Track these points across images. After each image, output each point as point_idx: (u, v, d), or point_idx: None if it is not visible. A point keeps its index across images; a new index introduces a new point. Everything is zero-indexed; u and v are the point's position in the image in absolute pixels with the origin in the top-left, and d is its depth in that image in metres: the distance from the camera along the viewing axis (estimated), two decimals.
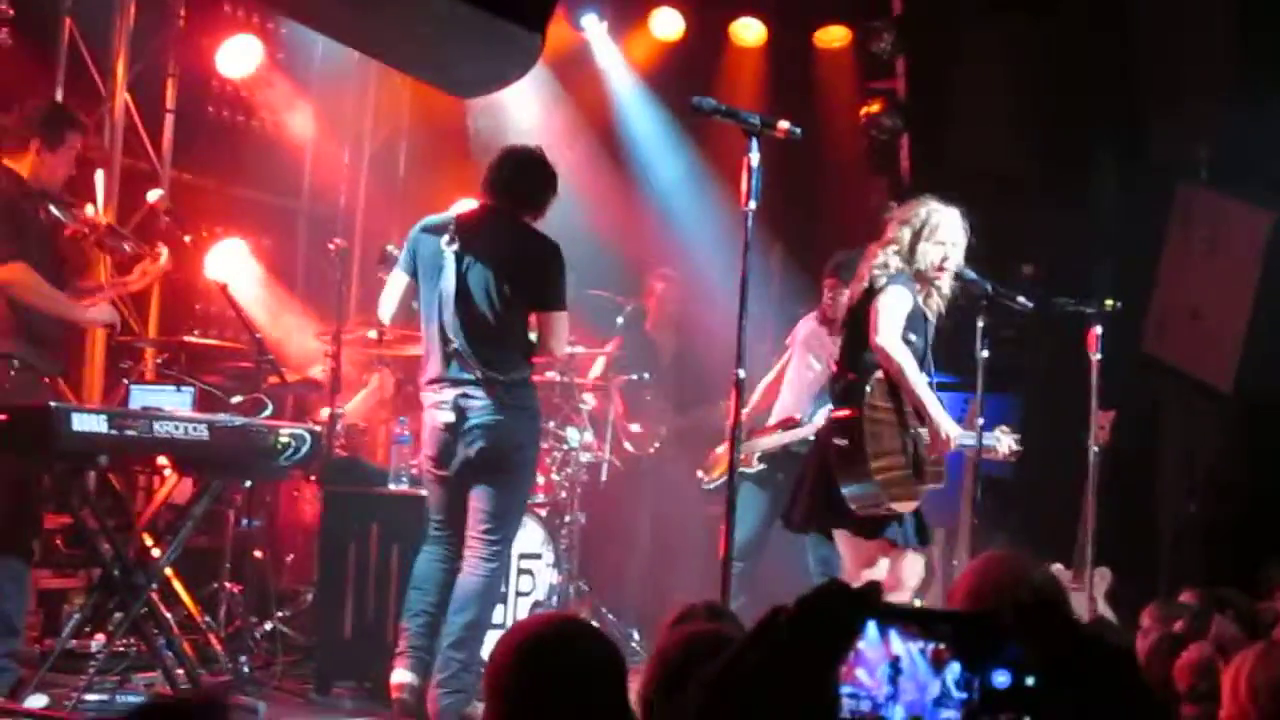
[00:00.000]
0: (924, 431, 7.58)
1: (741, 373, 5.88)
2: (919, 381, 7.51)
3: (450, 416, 7.53)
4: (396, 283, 7.84)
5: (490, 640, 8.68)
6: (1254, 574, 8.31)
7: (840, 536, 7.74)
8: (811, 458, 7.85)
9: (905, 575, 7.71)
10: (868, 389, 7.42)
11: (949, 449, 7.61)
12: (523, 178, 7.82)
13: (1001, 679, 2.06)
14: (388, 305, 7.90)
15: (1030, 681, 2.05)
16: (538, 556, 9.46)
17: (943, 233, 7.69)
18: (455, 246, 7.57)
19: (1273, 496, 10.04)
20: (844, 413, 7.53)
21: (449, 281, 7.53)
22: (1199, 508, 10.93)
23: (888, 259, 7.64)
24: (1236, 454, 10.86)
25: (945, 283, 7.73)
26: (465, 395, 7.52)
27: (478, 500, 7.58)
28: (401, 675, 7.55)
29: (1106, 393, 8.61)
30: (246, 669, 8.34)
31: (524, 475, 7.91)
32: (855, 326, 7.69)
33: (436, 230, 7.73)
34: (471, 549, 7.59)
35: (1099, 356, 8.53)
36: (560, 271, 7.69)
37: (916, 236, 7.66)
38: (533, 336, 7.68)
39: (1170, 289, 11.28)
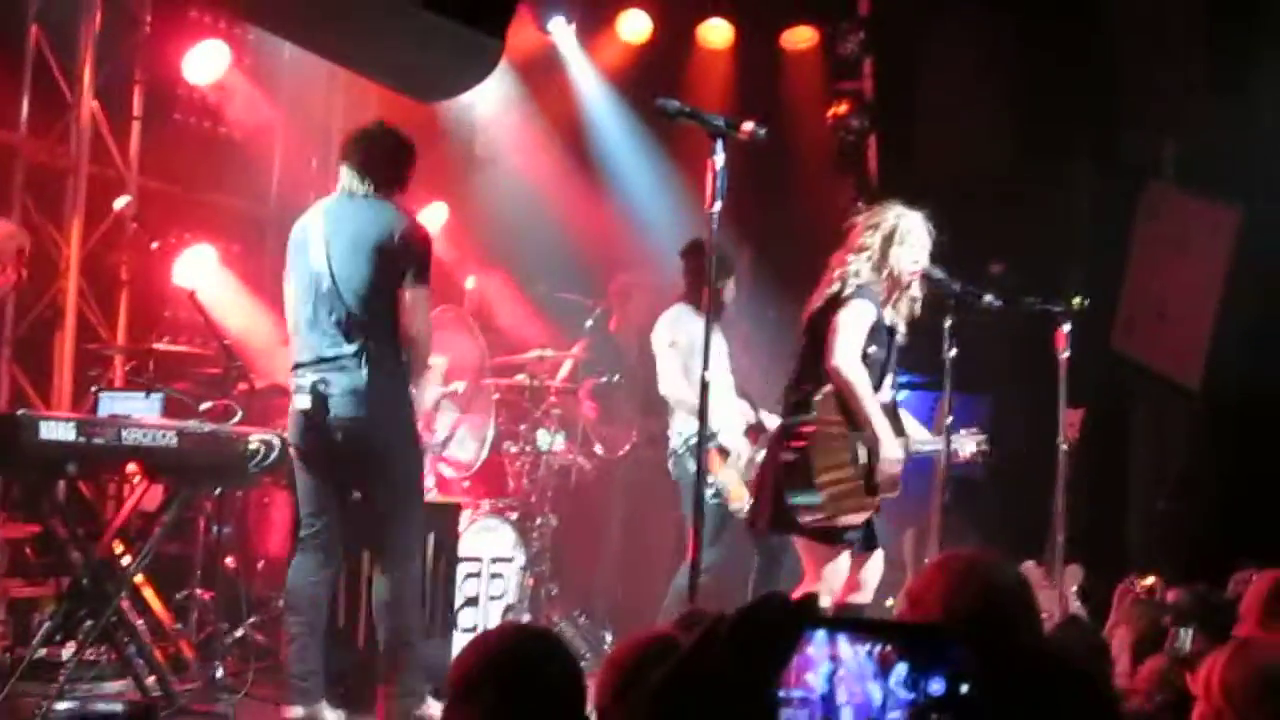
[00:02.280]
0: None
1: (707, 375, 5.89)
2: (870, 401, 7.50)
3: (306, 403, 7.25)
4: (286, 291, 7.62)
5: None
6: (1223, 570, 8.35)
7: (799, 543, 7.73)
8: (767, 465, 7.80)
9: (867, 577, 7.72)
10: (816, 400, 7.44)
11: (894, 469, 7.61)
12: (378, 155, 7.49)
13: (936, 686, 2.07)
14: (287, 316, 7.63)
15: (965, 689, 2.07)
16: (509, 560, 9.48)
17: (913, 237, 7.70)
18: (318, 231, 7.38)
19: (1240, 493, 10.09)
20: (791, 423, 7.55)
21: (313, 265, 7.33)
22: (1168, 504, 10.98)
23: (859, 266, 7.63)
24: (1204, 451, 10.90)
25: (915, 287, 7.75)
26: (324, 381, 7.23)
27: (364, 507, 7.39)
28: (292, 711, 7.36)
29: (1075, 390, 8.63)
30: (218, 676, 8.32)
31: (405, 472, 7.46)
32: (815, 336, 7.65)
33: (300, 222, 7.58)
34: (373, 561, 7.46)
35: (1067, 354, 8.55)
36: (420, 246, 7.38)
37: (887, 242, 7.66)
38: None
39: (1138, 287, 11.32)
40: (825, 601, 7.53)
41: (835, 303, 7.58)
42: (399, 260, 7.25)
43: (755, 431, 9.35)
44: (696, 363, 7.96)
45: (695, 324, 8.94)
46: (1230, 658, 4.12)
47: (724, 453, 9.24)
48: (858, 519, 7.57)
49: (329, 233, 7.34)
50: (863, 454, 7.54)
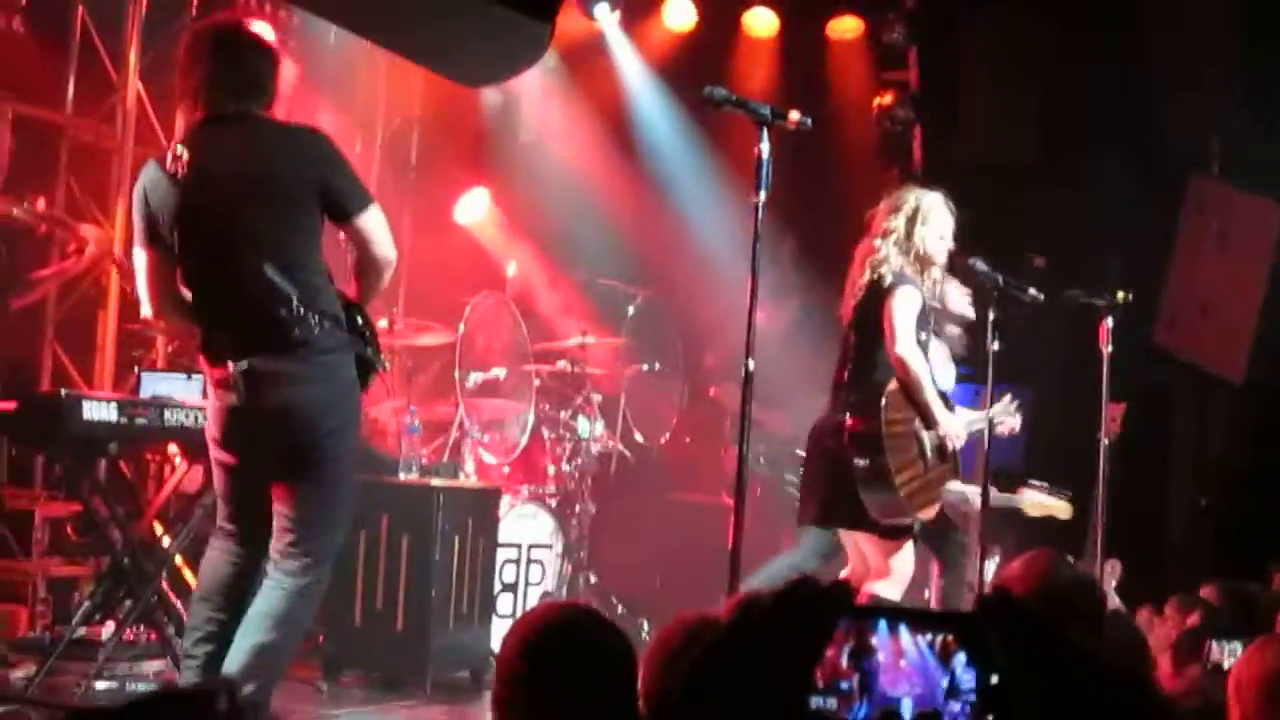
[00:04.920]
0: (936, 433, 7.63)
1: (751, 364, 5.86)
2: (931, 391, 7.56)
3: (232, 398, 5.96)
4: (140, 263, 6.11)
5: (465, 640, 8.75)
6: (1265, 565, 8.32)
7: (862, 538, 7.70)
8: (821, 456, 7.77)
9: (896, 565, 7.69)
10: (884, 402, 7.43)
11: (957, 444, 7.65)
12: (239, 64, 6.10)
13: (967, 677, 2.07)
14: (143, 295, 6.17)
15: (994, 680, 2.06)
16: (548, 546, 9.50)
17: (934, 215, 7.73)
18: (191, 173, 5.93)
19: None
20: (859, 425, 7.52)
21: (199, 229, 5.95)
22: (1209, 500, 10.93)
23: (888, 252, 7.64)
24: (1247, 446, 10.85)
25: (940, 266, 7.77)
26: (249, 370, 5.90)
27: (279, 501, 6.01)
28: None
29: (1117, 385, 8.61)
30: None
31: (338, 469, 6.10)
32: (865, 327, 7.65)
33: (161, 173, 6.02)
34: (274, 562, 6.04)
35: (1110, 349, 8.53)
36: (346, 160, 6.19)
37: (911, 222, 7.69)
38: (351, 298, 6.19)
39: (1181, 281, 11.27)
40: (895, 593, 7.53)
41: (879, 293, 7.57)
42: (328, 186, 6.01)
43: None
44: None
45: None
46: (1249, 655, 4.10)
47: None
48: (932, 512, 7.60)
49: (209, 179, 5.93)
50: (930, 446, 7.56)
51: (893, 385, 7.48)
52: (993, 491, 7.93)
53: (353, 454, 6.23)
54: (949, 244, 7.76)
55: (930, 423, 7.58)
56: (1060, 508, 8.99)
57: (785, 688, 2.09)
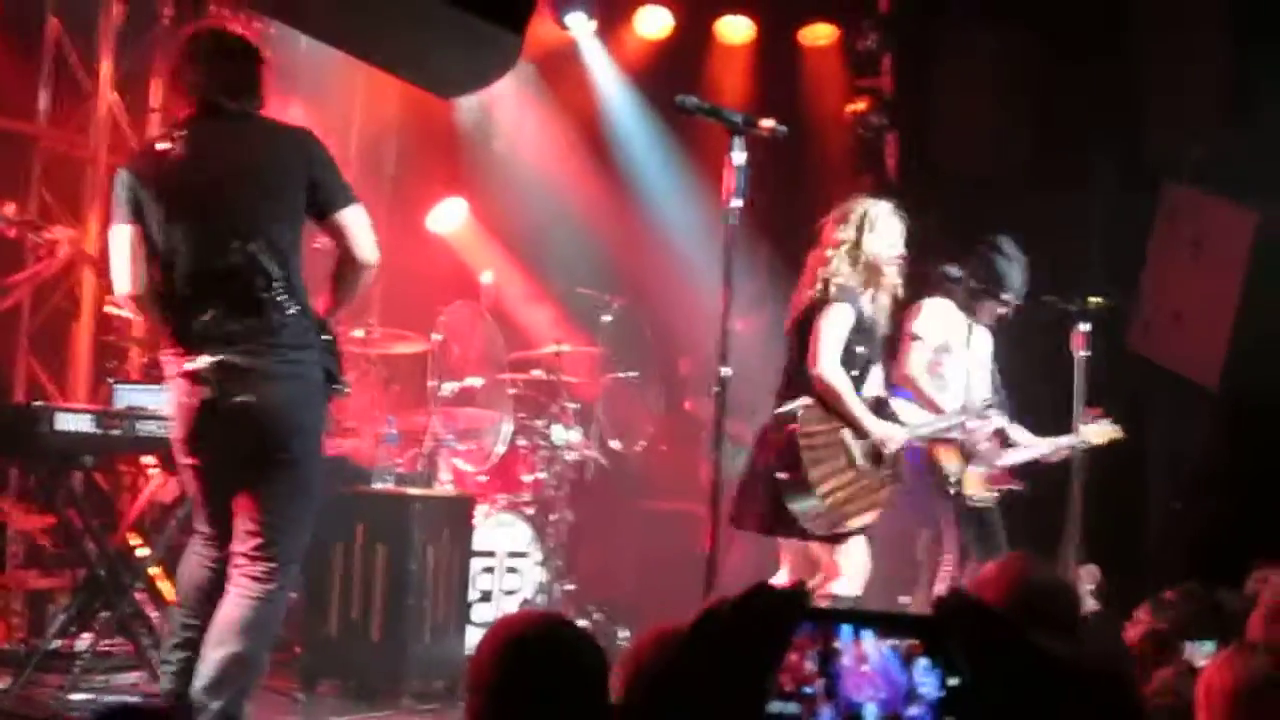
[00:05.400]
0: (869, 441, 7.65)
1: (725, 370, 5.87)
2: (853, 402, 7.55)
3: (204, 391, 5.92)
4: (121, 239, 6.06)
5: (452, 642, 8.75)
6: (1240, 570, 8.33)
7: (811, 543, 7.69)
8: (756, 466, 7.73)
9: (844, 564, 7.67)
10: (799, 413, 7.47)
11: (892, 448, 7.67)
12: (238, 65, 6.24)
13: (928, 681, 2.08)
14: (122, 272, 6.06)
15: (954, 683, 2.07)
16: (525, 555, 9.48)
17: (882, 223, 7.74)
18: (186, 154, 6.01)
19: (1258, 494, 10.05)
20: (779, 438, 7.52)
21: (191, 208, 6.00)
22: (1185, 505, 10.95)
23: (838, 263, 7.66)
24: (1222, 452, 10.87)
25: (893, 274, 7.77)
26: (222, 363, 5.89)
27: (244, 504, 5.96)
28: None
29: (1093, 391, 8.62)
30: None
31: (307, 469, 6.05)
32: (802, 338, 7.68)
33: (152, 155, 6.17)
34: (239, 566, 5.97)
35: (1086, 354, 8.56)
36: (333, 160, 6.25)
37: (859, 230, 7.71)
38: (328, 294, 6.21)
39: (1156, 288, 11.28)
40: (853, 590, 7.53)
41: (815, 307, 7.62)
42: (315, 183, 6.09)
43: (998, 436, 9.07)
44: (945, 359, 8.40)
45: (953, 322, 8.82)
46: (1220, 664, 4.10)
47: (954, 444, 8.92)
48: (870, 518, 7.59)
49: (202, 167, 6.02)
50: (860, 454, 7.56)
51: (807, 400, 7.50)
52: (1055, 438, 8.65)
53: (318, 456, 6.18)
54: (899, 251, 7.76)
55: (861, 432, 7.58)
56: (1115, 431, 8.95)
57: (744, 695, 2.09)
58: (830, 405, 7.52)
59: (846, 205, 7.85)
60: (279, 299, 5.90)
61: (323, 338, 6.11)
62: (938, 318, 8.77)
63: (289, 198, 6.02)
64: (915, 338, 8.67)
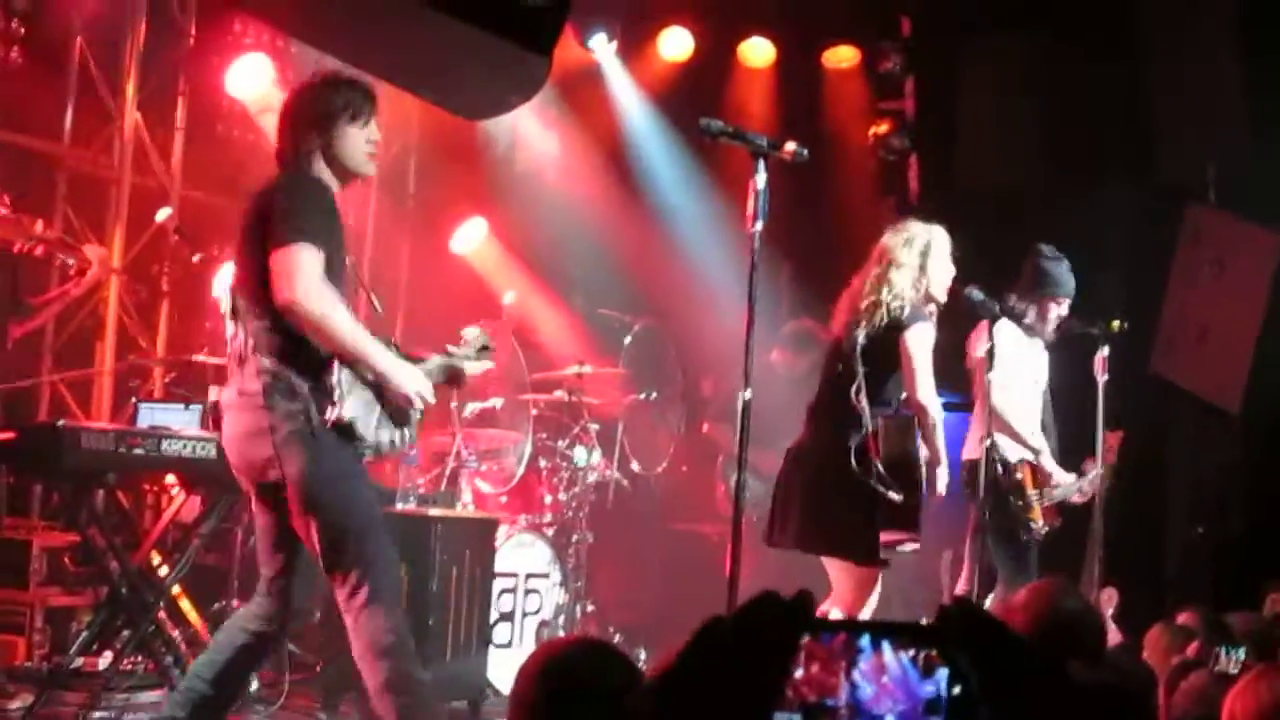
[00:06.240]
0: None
1: (747, 394, 5.86)
2: (940, 437, 7.59)
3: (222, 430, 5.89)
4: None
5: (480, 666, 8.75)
6: (1260, 593, 8.32)
7: (838, 564, 7.65)
8: (798, 477, 7.72)
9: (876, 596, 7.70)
10: (881, 431, 7.47)
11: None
12: (284, 124, 6.28)
13: (929, 689, 2.08)
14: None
15: (956, 691, 2.07)
16: (545, 576, 9.47)
17: (944, 251, 7.72)
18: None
19: (1278, 516, 10.05)
20: (888, 454, 7.47)
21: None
22: (1206, 528, 10.94)
23: (903, 287, 7.60)
24: (1243, 474, 10.87)
25: (939, 302, 7.77)
26: (222, 402, 5.89)
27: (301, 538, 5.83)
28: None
29: (1114, 413, 8.61)
30: (254, 687, 8.34)
31: (309, 489, 5.71)
32: (877, 358, 7.59)
33: None
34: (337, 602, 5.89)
35: (1106, 378, 8.55)
36: (294, 199, 5.90)
37: (924, 256, 7.66)
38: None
39: (1178, 309, 11.29)
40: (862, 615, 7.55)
41: (895, 327, 7.55)
42: (265, 227, 5.77)
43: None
44: (1011, 377, 8.28)
45: (1013, 340, 8.75)
46: (1244, 687, 4.09)
47: (1036, 470, 8.89)
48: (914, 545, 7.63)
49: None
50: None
51: (883, 421, 7.49)
52: (1079, 480, 8.71)
53: (318, 469, 5.74)
54: (950, 282, 7.77)
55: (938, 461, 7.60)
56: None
57: (747, 707, 2.09)
58: (927, 433, 7.51)
59: (905, 228, 7.81)
60: (260, 355, 5.79)
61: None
62: (1007, 340, 8.59)
63: (257, 249, 5.79)
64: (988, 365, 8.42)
